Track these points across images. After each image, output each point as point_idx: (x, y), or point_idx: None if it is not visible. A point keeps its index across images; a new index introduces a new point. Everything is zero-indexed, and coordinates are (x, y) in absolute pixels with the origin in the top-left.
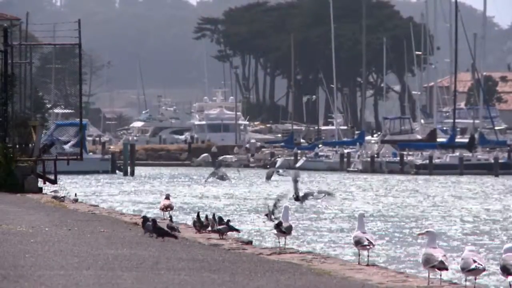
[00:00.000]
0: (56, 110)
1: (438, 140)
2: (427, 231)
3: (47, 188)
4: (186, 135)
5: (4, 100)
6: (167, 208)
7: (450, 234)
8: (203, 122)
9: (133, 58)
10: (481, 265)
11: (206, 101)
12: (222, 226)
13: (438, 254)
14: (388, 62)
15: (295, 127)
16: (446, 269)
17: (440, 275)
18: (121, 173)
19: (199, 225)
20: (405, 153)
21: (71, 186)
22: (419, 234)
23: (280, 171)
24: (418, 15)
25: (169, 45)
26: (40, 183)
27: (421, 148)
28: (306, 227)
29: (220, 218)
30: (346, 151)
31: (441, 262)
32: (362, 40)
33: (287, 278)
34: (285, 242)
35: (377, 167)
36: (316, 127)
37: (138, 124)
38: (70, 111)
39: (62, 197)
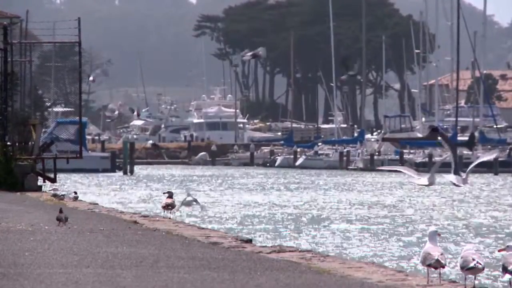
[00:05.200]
0: (55, 109)
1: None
2: (430, 231)
3: (47, 187)
4: (184, 133)
5: (4, 98)
6: (169, 206)
7: (449, 232)
8: (202, 120)
9: (133, 56)
10: (480, 263)
11: (204, 99)
12: None
13: (436, 253)
14: (387, 60)
15: (294, 125)
16: (443, 267)
17: (440, 274)
18: (121, 171)
19: None
20: (406, 151)
21: (71, 184)
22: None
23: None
24: (418, 13)
25: (169, 43)
26: (40, 181)
27: (422, 146)
28: (305, 226)
29: None
30: (345, 149)
31: (437, 261)
32: (362, 38)
33: (286, 277)
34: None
35: (377, 165)
36: (316, 125)
37: (138, 122)
38: (69, 109)
39: (62, 195)
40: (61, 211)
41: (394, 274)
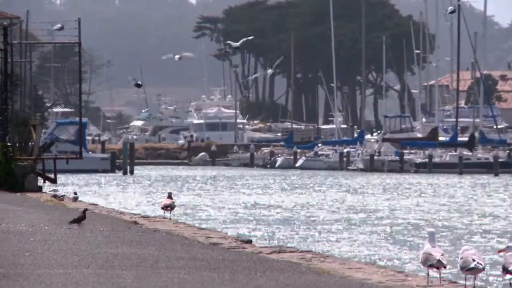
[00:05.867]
0: (55, 109)
1: (439, 138)
2: (428, 231)
3: (47, 187)
4: (184, 134)
5: (4, 99)
6: (168, 207)
7: (449, 232)
8: (201, 121)
9: (133, 56)
10: (481, 264)
11: (204, 100)
12: None
13: (436, 253)
14: (387, 60)
15: (294, 125)
16: (444, 267)
17: (440, 274)
18: (121, 172)
19: None
20: (406, 151)
21: (71, 184)
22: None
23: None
24: (418, 13)
25: (169, 43)
26: (40, 182)
27: (422, 146)
28: (305, 226)
29: None
30: (345, 150)
31: (439, 261)
32: (362, 39)
33: (286, 277)
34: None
35: (378, 166)
36: (316, 126)
37: (138, 123)
38: (69, 109)
39: (62, 195)
40: (84, 212)
41: (394, 274)
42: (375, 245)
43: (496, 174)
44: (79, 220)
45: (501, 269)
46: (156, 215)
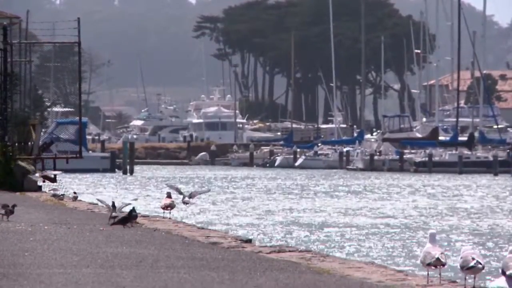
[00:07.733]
0: (55, 109)
1: (439, 139)
2: (429, 233)
3: (47, 187)
4: (184, 134)
5: (4, 98)
6: (168, 207)
7: (449, 233)
8: (201, 121)
9: (132, 56)
10: (481, 263)
11: (203, 99)
12: None
13: (436, 252)
14: (387, 60)
15: (294, 125)
16: (443, 265)
17: (440, 274)
18: (121, 171)
19: None
20: (406, 151)
21: (71, 184)
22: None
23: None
24: (418, 13)
25: (169, 43)
26: (40, 181)
27: (422, 146)
28: (305, 225)
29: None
30: (345, 149)
31: (438, 259)
32: (362, 39)
33: (286, 277)
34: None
35: (377, 165)
36: (316, 126)
37: (138, 122)
38: (69, 109)
39: (62, 195)
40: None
41: (394, 274)
42: (375, 245)
43: (496, 174)
44: (124, 221)
45: (500, 272)
46: (156, 215)
